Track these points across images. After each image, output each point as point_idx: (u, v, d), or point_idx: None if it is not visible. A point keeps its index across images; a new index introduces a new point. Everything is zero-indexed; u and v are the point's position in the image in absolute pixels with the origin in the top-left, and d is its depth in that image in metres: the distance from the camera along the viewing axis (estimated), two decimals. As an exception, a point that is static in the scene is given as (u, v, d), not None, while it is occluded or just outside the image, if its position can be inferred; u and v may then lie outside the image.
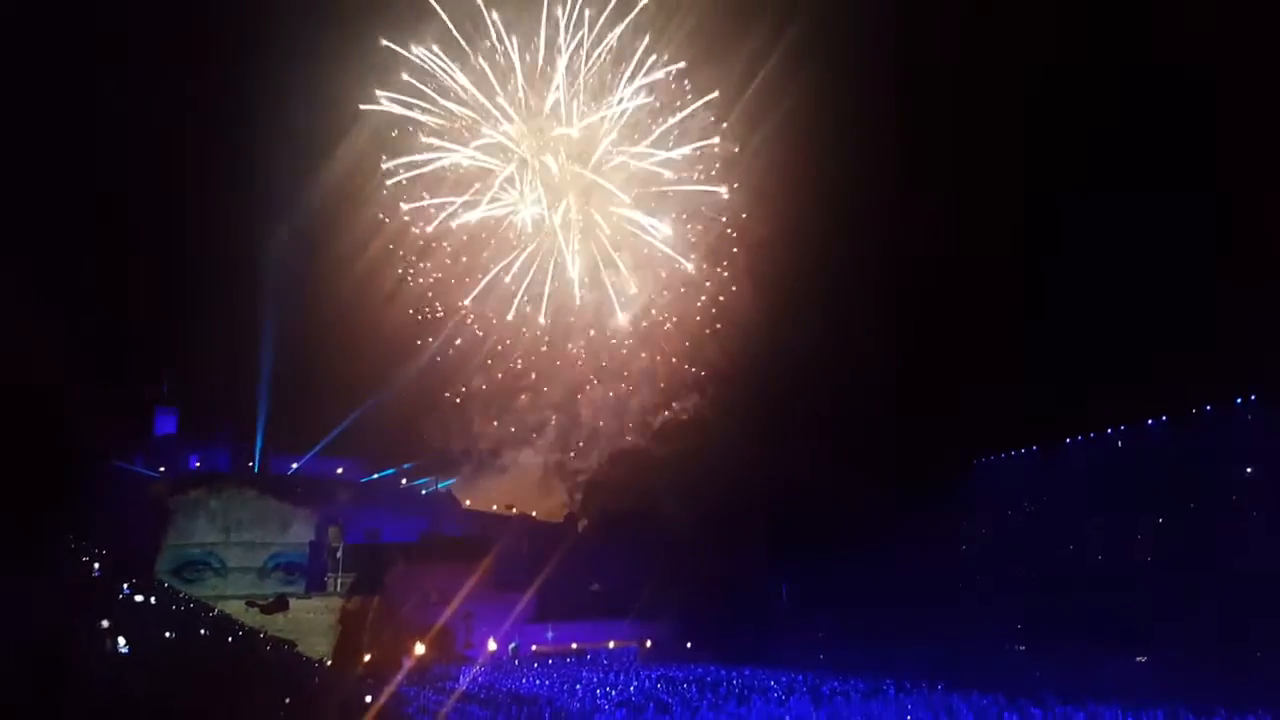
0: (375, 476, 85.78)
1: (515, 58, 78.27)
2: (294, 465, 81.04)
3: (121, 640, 23.80)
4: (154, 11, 66.51)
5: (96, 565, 41.19)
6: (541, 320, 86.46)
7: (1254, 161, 54.29)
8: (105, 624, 24.85)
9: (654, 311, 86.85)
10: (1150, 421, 56.23)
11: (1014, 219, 70.24)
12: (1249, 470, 46.83)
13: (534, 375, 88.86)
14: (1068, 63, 66.21)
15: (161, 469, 77.35)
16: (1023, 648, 51.42)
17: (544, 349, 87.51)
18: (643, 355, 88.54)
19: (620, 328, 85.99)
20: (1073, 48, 66.45)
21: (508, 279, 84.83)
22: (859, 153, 70.71)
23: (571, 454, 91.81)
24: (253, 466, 78.97)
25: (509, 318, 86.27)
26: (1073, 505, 59.02)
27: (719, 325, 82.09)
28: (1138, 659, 42.96)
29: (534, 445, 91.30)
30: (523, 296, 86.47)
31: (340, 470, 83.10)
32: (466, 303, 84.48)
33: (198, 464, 79.51)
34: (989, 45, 66.89)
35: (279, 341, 75.40)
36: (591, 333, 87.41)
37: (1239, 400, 51.26)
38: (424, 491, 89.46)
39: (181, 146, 71.34)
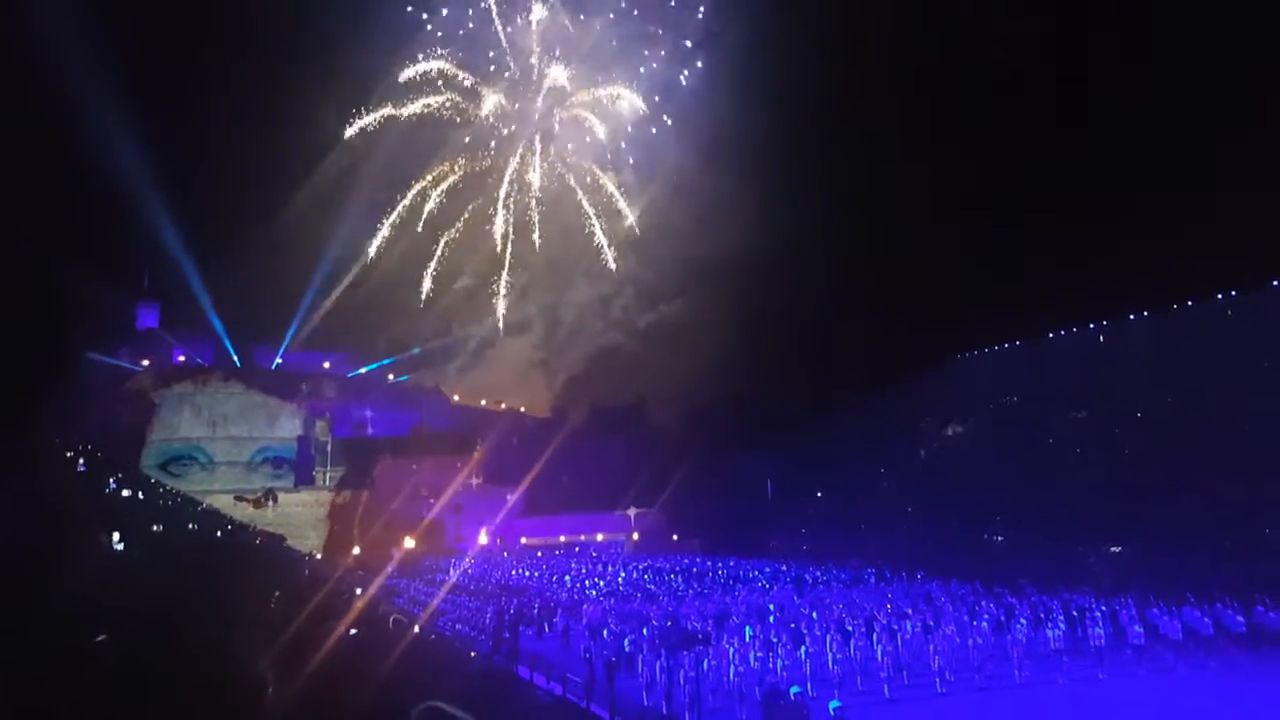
0: (362, 371, 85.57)
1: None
2: (277, 360, 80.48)
3: (116, 535, 23.69)
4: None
5: (82, 460, 40.90)
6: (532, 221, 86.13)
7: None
8: (97, 520, 24.76)
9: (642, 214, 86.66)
10: (1131, 316, 56.64)
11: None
12: (1230, 364, 47.24)
13: (521, 274, 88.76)
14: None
15: (144, 363, 76.69)
16: (1001, 538, 52.42)
17: (535, 251, 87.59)
18: (628, 258, 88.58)
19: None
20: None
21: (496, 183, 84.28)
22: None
23: (556, 351, 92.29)
24: (235, 362, 78.49)
25: (498, 220, 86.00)
26: (1053, 399, 59.70)
27: (705, 224, 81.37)
28: (1113, 549, 43.91)
29: (519, 342, 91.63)
30: (509, 192, 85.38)
31: (326, 364, 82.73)
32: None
33: (181, 359, 78.89)
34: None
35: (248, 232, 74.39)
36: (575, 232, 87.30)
37: (1219, 295, 51.85)
38: (411, 384, 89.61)
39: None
